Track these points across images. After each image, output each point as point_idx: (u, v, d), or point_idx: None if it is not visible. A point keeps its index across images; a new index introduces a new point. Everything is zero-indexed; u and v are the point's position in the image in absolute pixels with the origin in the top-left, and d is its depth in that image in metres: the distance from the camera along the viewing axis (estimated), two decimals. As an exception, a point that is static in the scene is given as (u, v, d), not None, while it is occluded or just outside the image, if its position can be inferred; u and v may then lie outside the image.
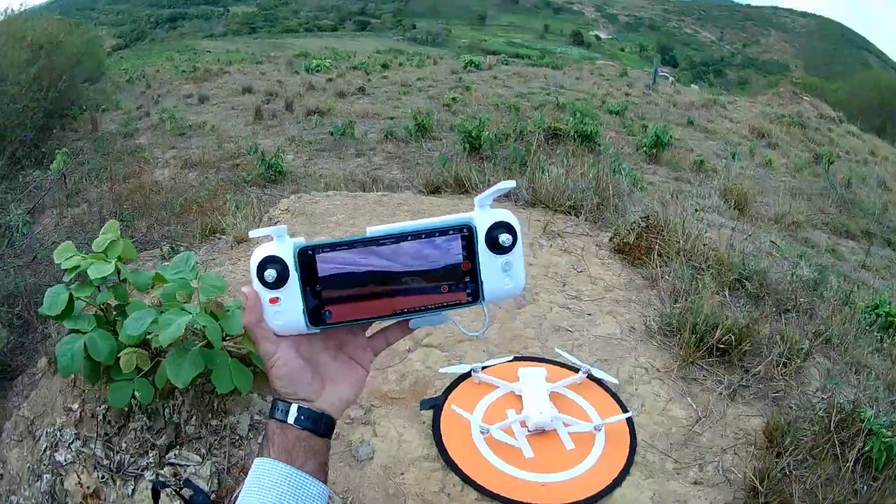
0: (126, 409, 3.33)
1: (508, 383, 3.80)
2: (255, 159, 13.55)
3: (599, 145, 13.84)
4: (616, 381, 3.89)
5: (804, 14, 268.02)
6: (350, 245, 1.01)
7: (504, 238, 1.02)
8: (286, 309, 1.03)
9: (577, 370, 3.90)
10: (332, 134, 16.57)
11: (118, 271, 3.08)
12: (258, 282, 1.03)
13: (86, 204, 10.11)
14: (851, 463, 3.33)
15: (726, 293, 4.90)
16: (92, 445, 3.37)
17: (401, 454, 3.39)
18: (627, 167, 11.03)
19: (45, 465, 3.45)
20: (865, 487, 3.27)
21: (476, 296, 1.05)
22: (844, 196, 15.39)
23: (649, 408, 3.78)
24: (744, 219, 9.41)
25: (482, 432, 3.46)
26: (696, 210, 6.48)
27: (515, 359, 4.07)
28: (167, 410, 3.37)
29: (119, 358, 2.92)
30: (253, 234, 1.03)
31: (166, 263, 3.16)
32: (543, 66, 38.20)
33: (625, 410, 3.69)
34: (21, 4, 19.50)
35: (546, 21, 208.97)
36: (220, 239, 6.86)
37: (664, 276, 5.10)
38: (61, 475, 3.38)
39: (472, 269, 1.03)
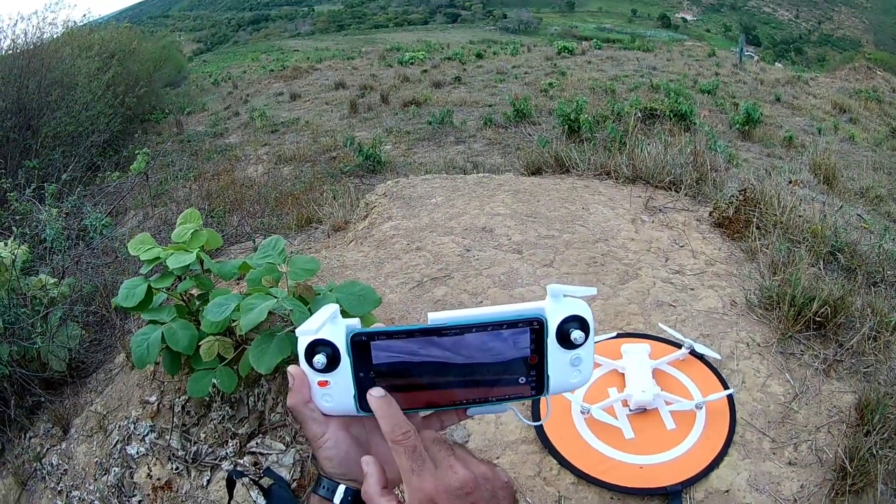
0: (207, 398, 3.28)
1: (611, 360, 3.58)
2: (353, 151, 13.31)
3: (695, 123, 13.37)
4: (718, 357, 3.65)
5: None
6: (409, 334, 0.91)
7: (576, 335, 0.92)
8: (336, 392, 0.94)
9: (679, 346, 3.66)
10: (430, 123, 16.21)
11: (200, 261, 2.98)
12: (306, 365, 0.92)
13: (173, 203, 9.91)
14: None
15: (821, 265, 4.58)
16: (167, 437, 3.31)
17: (498, 437, 3.22)
18: (723, 144, 10.68)
19: (114, 458, 3.37)
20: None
21: (541, 389, 0.95)
22: (922, 169, 14.54)
23: (749, 384, 3.53)
24: (832, 193, 8.95)
25: (583, 412, 3.26)
26: (790, 182, 6.14)
27: (619, 335, 3.85)
28: (251, 399, 3.29)
29: (200, 347, 2.81)
30: (301, 330, 0.92)
31: (258, 253, 3.03)
32: (635, 50, 37.24)
33: (726, 387, 3.43)
34: (84, 16, 19.74)
35: (633, 5, 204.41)
36: (316, 228, 6.72)
37: (762, 249, 4.81)
38: (131, 468, 3.30)
39: (539, 363, 0.94)
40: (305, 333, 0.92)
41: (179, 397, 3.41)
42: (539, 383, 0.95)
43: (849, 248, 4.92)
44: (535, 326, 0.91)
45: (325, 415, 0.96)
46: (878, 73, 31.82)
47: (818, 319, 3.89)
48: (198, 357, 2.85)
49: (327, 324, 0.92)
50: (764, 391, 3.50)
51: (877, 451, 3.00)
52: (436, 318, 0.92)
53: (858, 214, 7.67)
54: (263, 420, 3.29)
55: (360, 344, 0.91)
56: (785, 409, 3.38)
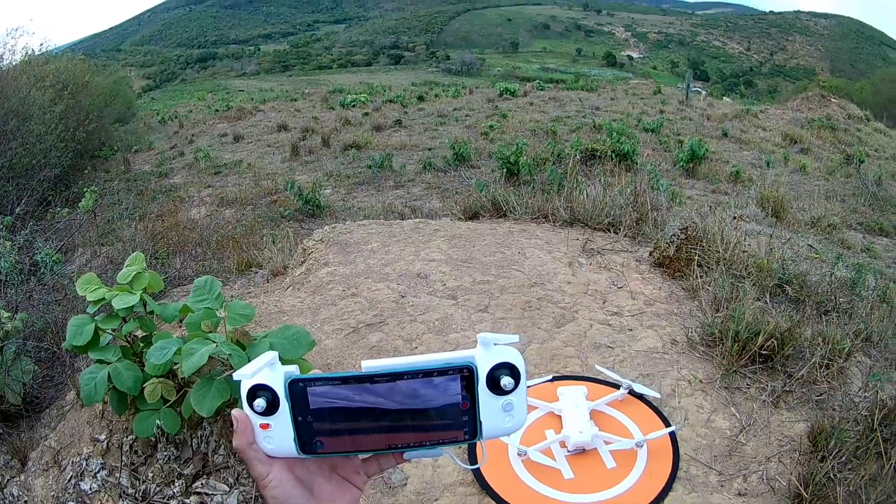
0: (153, 438, 3.40)
1: (548, 403, 3.72)
2: (293, 194, 13.62)
3: (637, 163, 13.77)
4: (658, 396, 3.80)
5: (825, 15, 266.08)
6: (343, 381, 0.97)
7: (506, 382, 0.97)
8: (277, 435, 1.00)
9: (618, 386, 3.82)
10: (369, 167, 16.62)
11: (144, 303, 3.14)
12: (248, 408, 0.99)
13: (119, 243, 10.07)
14: (895, 460, 3.21)
15: (767, 299, 4.79)
16: (118, 475, 3.44)
17: (435, 479, 3.33)
18: (665, 183, 10.95)
19: (69, 493, 3.50)
20: (912, 484, 3.14)
21: (474, 433, 1.00)
22: (876, 194, 15.15)
23: (693, 420, 3.69)
24: (781, 225, 9.26)
25: (519, 455, 3.39)
26: (734, 218, 6.37)
27: (554, 378, 3.99)
28: (195, 440, 3.41)
29: (144, 388, 2.94)
30: (238, 374, 0.99)
31: (199, 297, 3.19)
32: (578, 90, 38.16)
33: (667, 425, 3.59)
34: (42, 45, 20.09)
35: (578, 45, 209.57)
36: (256, 273, 6.87)
37: (704, 286, 5.00)
38: (86, 503, 3.39)
39: (472, 409, 0.99)
40: (242, 377, 0.99)
41: (127, 436, 3.51)
42: (472, 428, 1.00)
43: (797, 280, 5.15)
44: (466, 374, 0.96)
45: (269, 456, 1.02)
46: (833, 100, 32.74)
47: (764, 353, 4.08)
48: (143, 398, 2.97)
49: (265, 369, 0.99)
50: (708, 426, 3.65)
51: (835, 475, 3.17)
52: (369, 365, 0.98)
53: (809, 245, 7.96)
54: (207, 461, 3.38)
55: (297, 389, 0.98)
56: (732, 443, 3.54)
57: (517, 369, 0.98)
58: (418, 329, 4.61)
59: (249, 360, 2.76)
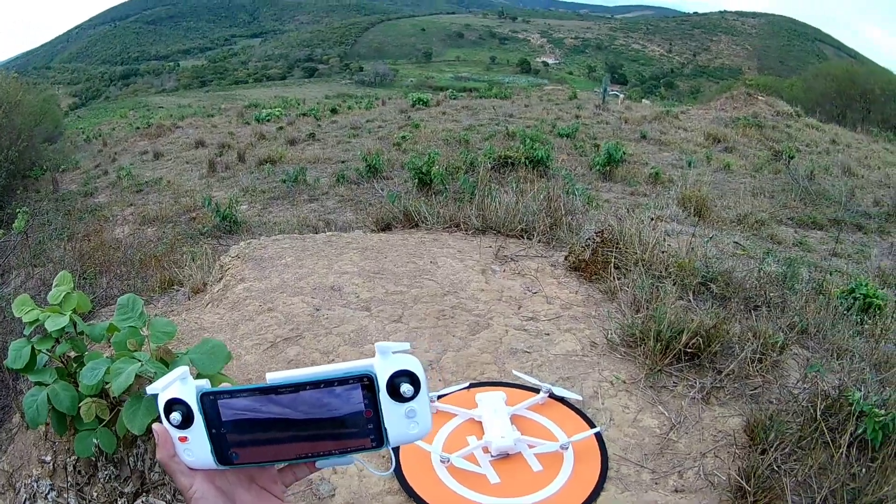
0: (94, 458, 3.45)
1: (467, 410, 3.76)
2: (210, 211, 13.96)
3: (551, 168, 14.00)
4: (579, 398, 3.87)
5: (754, 14, 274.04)
6: (250, 392, 1.02)
7: (405, 388, 1.02)
8: (195, 447, 1.04)
9: (537, 391, 3.87)
10: (284, 182, 17.03)
11: (74, 323, 3.21)
12: (166, 421, 1.03)
13: (50, 264, 10.32)
14: (845, 448, 3.32)
15: (690, 297, 4.91)
16: (66, 496, 3.50)
17: (362, 489, 3.35)
18: (581, 187, 11.13)
19: None
20: (864, 470, 3.26)
21: (380, 441, 1.05)
22: (808, 188, 15.61)
23: (619, 421, 3.76)
24: (704, 224, 9.49)
25: (442, 461, 3.42)
26: (652, 219, 6.50)
27: (471, 385, 4.04)
28: (131, 458, 3.45)
29: (80, 408, 3.01)
30: (150, 388, 1.04)
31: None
32: (492, 98, 38.64)
33: (592, 426, 3.65)
34: None
35: (492, 52, 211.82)
36: (177, 291, 6.96)
37: (623, 288, 5.12)
38: None
39: (375, 417, 1.03)
40: (154, 391, 1.04)
41: (70, 457, 3.53)
42: (378, 436, 1.05)
43: (722, 277, 5.30)
44: (366, 382, 1.02)
45: (190, 468, 1.07)
46: (760, 98, 33.60)
47: (690, 351, 4.19)
48: (80, 418, 3.03)
49: (177, 383, 1.04)
50: (636, 426, 3.74)
51: (778, 467, 3.27)
52: (273, 377, 1.03)
53: (735, 242, 8.17)
54: (145, 479, 3.42)
55: (208, 402, 1.03)
56: (662, 440, 3.63)
57: (416, 376, 1.03)
58: (334, 342, 4.67)
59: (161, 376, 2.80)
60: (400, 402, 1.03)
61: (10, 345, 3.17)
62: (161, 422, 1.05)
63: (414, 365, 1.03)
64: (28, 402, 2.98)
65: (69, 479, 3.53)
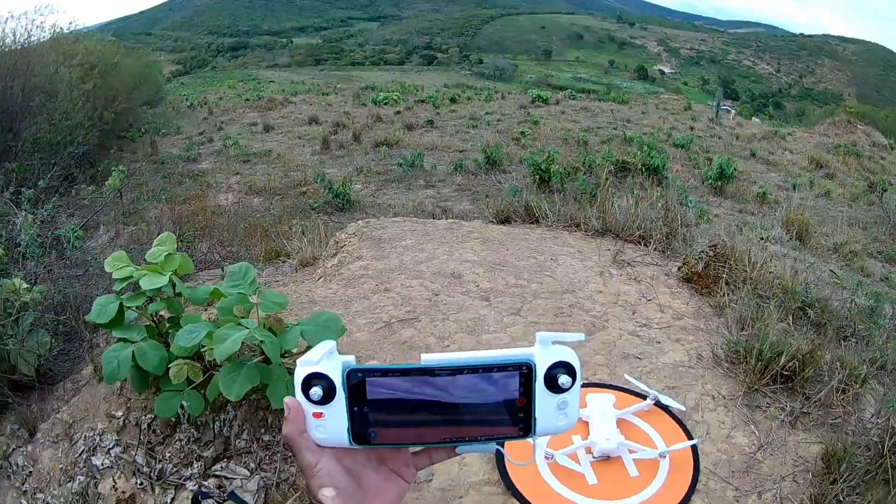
0: (174, 419, 3.41)
1: (576, 408, 3.75)
2: (323, 187, 13.61)
3: (666, 177, 13.71)
4: (683, 409, 3.82)
5: (854, 41, 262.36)
6: (404, 373, 0.97)
7: (563, 380, 0.98)
8: (330, 425, 0.99)
9: (644, 397, 3.84)
10: (400, 165, 16.58)
11: (173, 284, 3.14)
12: (302, 396, 0.99)
13: (144, 224, 10.22)
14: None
15: (790, 321, 4.79)
16: (133, 452, 3.44)
17: (461, 477, 3.35)
18: (694, 199, 10.92)
19: (79, 467, 3.50)
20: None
21: (528, 430, 1.01)
22: (897, 223, 14.89)
23: (714, 435, 3.71)
24: (805, 248, 9.22)
25: (546, 458, 3.42)
26: (762, 239, 6.36)
27: (584, 385, 3.99)
28: (217, 423, 3.42)
29: (169, 369, 2.96)
30: (302, 361, 0.99)
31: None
32: (610, 101, 38.09)
33: (690, 438, 3.61)
34: (71, 23, 20.03)
35: (611, 56, 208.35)
36: (284, 262, 6.83)
37: (731, 304, 5.01)
38: (96, 479, 3.42)
39: (527, 406, 0.99)
40: (306, 364, 0.98)
41: (146, 415, 3.51)
42: (527, 425, 1.01)
43: (819, 304, 5.13)
44: (525, 371, 0.97)
45: (318, 445, 1.02)
46: (859, 126, 32.27)
47: (785, 373, 4.09)
48: (166, 378, 2.98)
49: (324, 358, 0.99)
50: (728, 442, 3.67)
51: (843, 498, 3.20)
52: (429, 359, 0.98)
53: (831, 270, 7.93)
54: (229, 445, 3.39)
55: (355, 379, 0.98)
56: (749, 459, 3.55)
57: (574, 368, 0.99)
58: (451, 328, 4.63)
59: (282, 347, 2.77)
60: (555, 392, 0.98)
61: (94, 300, 3.12)
62: (293, 395, 1.00)
63: (572, 357, 0.99)
64: (108, 357, 2.91)
65: (141, 436, 3.48)
